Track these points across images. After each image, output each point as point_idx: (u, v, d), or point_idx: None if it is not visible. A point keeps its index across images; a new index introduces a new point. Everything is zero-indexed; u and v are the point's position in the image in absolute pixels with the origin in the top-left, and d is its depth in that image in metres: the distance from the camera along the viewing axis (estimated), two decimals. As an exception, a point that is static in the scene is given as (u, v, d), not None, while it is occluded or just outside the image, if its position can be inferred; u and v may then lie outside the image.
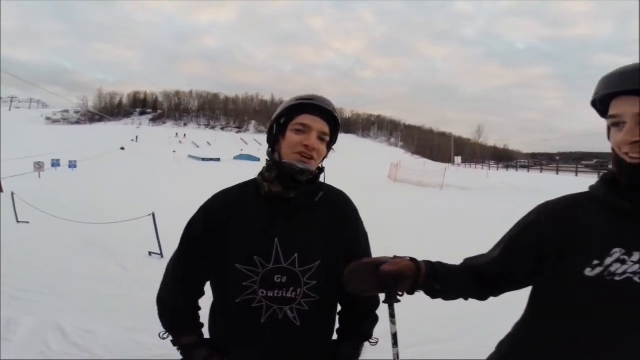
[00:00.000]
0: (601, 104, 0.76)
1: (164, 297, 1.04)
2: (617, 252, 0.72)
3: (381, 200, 11.19)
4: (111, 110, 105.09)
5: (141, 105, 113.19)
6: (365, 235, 1.09)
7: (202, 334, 1.07)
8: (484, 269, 0.89)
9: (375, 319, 1.13)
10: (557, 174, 24.04)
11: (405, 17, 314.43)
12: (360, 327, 1.11)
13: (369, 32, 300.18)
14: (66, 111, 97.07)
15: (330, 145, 1.02)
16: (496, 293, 0.92)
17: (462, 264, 0.94)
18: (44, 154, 18.31)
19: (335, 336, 1.12)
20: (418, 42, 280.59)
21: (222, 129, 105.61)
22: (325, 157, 1.01)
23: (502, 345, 0.94)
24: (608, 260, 0.72)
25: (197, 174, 18.03)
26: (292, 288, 0.94)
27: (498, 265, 0.87)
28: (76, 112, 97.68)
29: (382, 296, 0.89)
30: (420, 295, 0.89)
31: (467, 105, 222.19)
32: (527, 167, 35.53)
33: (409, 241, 5.23)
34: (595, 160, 45.90)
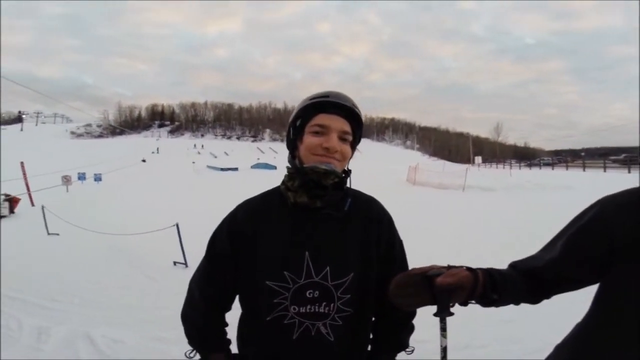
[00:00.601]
0: None
1: (189, 314, 0.99)
2: None
3: (401, 204, 10.97)
4: (131, 123, 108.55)
5: (159, 118, 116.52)
6: (401, 244, 1.00)
7: (230, 352, 1.01)
8: (540, 271, 0.81)
9: (411, 329, 1.04)
10: (584, 170, 23.19)
11: (410, 17, 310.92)
12: (397, 338, 1.03)
13: (376, 35, 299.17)
14: (89, 125, 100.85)
15: (354, 144, 0.94)
16: (551, 295, 0.84)
17: (513, 268, 0.86)
18: (70, 167, 19.03)
19: (369, 347, 1.05)
20: (426, 42, 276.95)
21: (238, 138, 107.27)
22: (351, 158, 0.93)
23: (561, 348, 0.85)
24: None
25: (217, 183, 18.24)
26: (324, 303, 0.87)
27: (559, 266, 0.79)
28: (98, 126, 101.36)
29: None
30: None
31: (482, 103, 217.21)
32: (551, 164, 34.35)
33: (434, 245, 5.08)
34: (624, 155, 43.76)
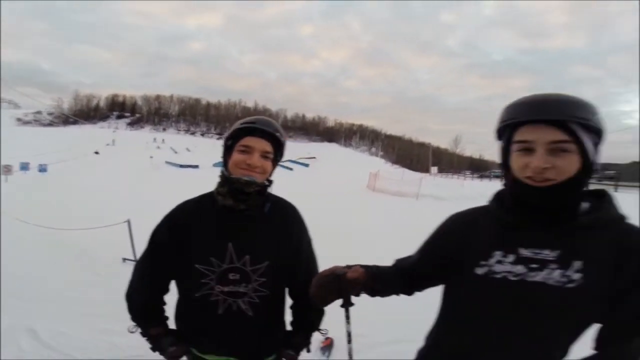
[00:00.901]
0: (506, 130, 0.85)
1: (132, 293, 1.17)
2: (497, 255, 0.86)
3: (359, 208, 11.45)
4: (87, 112, 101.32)
5: (119, 109, 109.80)
6: (309, 242, 1.24)
7: (167, 326, 1.21)
8: (410, 268, 1.04)
9: (321, 313, 1.29)
10: None
11: (391, 26, 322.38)
12: (309, 320, 1.28)
13: (356, 41, 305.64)
14: (39, 112, 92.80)
15: (275, 161, 1.16)
16: (419, 289, 1.07)
17: (393, 264, 1.09)
18: (13, 156, 17.50)
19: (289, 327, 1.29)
20: (402, 52, 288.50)
21: (203, 135, 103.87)
22: (272, 171, 1.16)
23: (427, 336, 1.07)
24: (491, 261, 0.87)
25: (174, 180, 17.48)
26: (244, 284, 1.10)
27: (418, 265, 1.03)
28: (49, 114, 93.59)
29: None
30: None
31: (447, 116, 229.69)
32: (499, 177, 36.79)
33: (379, 249, 5.46)
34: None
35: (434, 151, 71.36)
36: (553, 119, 0.77)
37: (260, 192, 1.12)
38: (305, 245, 1.23)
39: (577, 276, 0.78)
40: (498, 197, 0.93)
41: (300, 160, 51.63)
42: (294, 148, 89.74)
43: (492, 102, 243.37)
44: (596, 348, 0.81)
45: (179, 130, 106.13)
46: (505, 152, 0.87)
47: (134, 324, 1.19)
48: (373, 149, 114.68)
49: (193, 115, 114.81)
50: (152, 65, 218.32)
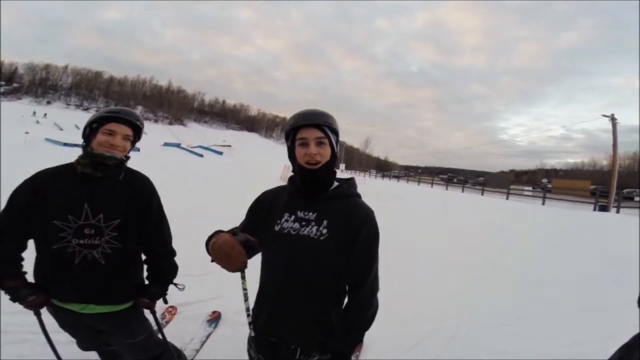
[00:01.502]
0: (291, 133, 1.24)
1: None
2: (286, 216, 1.23)
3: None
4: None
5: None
6: (158, 204, 1.51)
7: (26, 280, 1.35)
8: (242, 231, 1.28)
9: (173, 266, 1.57)
10: (419, 184, 28.31)
11: (331, 24, 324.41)
12: (161, 271, 1.55)
13: (294, 33, 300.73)
14: None
15: (134, 141, 1.45)
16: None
17: (229, 230, 1.28)
18: None
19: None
20: (334, 52, 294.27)
21: (98, 111, 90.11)
22: (131, 149, 1.44)
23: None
24: (282, 221, 1.23)
25: (54, 160, 15.16)
26: (98, 237, 1.33)
27: (247, 230, 1.27)
28: None
29: None
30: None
31: (362, 118, 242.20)
32: (397, 177, 41.45)
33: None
34: (448, 175, 56.28)
35: (346, 149, 75.78)
36: (316, 124, 1.21)
37: (117, 165, 1.37)
38: (155, 207, 1.49)
39: (325, 231, 1.20)
40: (292, 178, 1.31)
41: (213, 147, 49.21)
42: (208, 134, 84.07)
43: (400, 109, 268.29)
44: (348, 293, 1.24)
45: (69, 104, 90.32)
46: (292, 149, 1.25)
47: None
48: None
49: (90, 89, 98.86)
50: (51, 30, 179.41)
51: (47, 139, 26.75)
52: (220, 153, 42.77)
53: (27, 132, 25.64)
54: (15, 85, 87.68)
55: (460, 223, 9.00)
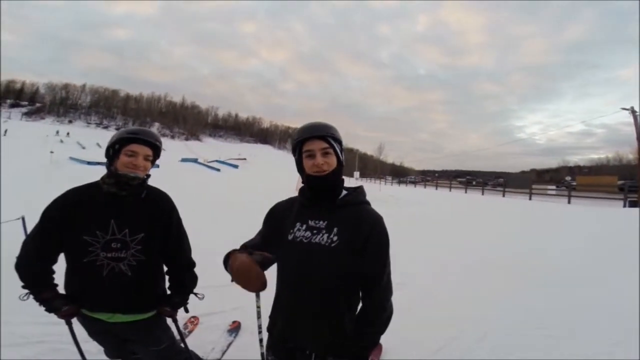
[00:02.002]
0: (297, 145, 1.29)
1: (23, 263, 1.39)
2: (298, 225, 1.29)
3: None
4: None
5: (14, 97, 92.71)
6: (178, 219, 1.58)
7: (57, 291, 1.44)
8: (257, 248, 1.29)
9: (193, 277, 1.63)
10: (437, 189, 27.35)
11: (333, 33, 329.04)
12: (182, 282, 1.61)
13: (298, 44, 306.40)
14: None
15: (154, 160, 1.53)
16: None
17: (242, 246, 1.33)
18: None
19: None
20: (339, 59, 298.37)
21: (118, 129, 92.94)
22: (152, 167, 1.52)
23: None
24: (295, 230, 1.28)
25: (78, 178, 15.77)
26: (124, 251, 1.41)
27: (262, 244, 1.33)
28: None
29: None
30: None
31: (374, 124, 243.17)
32: (414, 182, 40.93)
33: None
34: (467, 177, 55.17)
35: (360, 157, 75.59)
36: (321, 135, 1.26)
37: (140, 184, 1.46)
38: (175, 222, 1.57)
39: (335, 238, 1.24)
40: (302, 189, 1.35)
41: (229, 161, 50.08)
42: (223, 148, 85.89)
43: (411, 113, 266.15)
44: (362, 298, 1.26)
45: (89, 123, 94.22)
46: (299, 161, 1.31)
47: (26, 291, 1.39)
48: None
49: (108, 107, 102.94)
50: (63, 50, 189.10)
51: (71, 158, 27.92)
52: (236, 166, 43.45)
53: (52, 152, 26.78)
54: (38, 105, 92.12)
55: (482, 225, 8.82)
